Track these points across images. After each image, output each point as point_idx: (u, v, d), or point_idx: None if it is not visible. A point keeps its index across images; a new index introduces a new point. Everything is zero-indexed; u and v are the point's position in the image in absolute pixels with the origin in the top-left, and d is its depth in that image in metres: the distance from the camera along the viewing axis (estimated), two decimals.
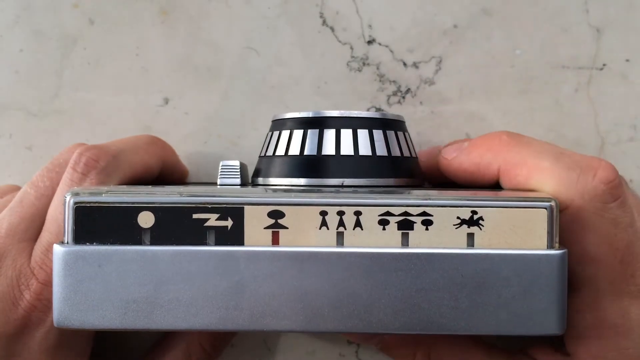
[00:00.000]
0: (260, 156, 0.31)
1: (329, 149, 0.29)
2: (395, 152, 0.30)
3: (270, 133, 0.31)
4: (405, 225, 0.25)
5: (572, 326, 0.28)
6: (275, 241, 0.25)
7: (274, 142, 0.30)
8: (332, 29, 0.38)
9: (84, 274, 0.25)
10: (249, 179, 0.32)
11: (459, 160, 0.31)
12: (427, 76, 0.38)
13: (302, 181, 0.29)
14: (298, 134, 0.29)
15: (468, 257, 0.25)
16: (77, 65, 0.39)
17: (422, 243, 0.25)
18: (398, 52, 0.38)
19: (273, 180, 0.30)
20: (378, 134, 0.29)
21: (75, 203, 0.25)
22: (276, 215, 0.25)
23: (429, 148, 0.35)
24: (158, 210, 0.25)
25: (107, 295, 0.25)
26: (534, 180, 0.28)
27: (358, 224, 0.25)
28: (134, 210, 0.25)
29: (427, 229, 0.25)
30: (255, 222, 0.25)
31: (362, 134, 0.29)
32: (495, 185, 0.30)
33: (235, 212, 0.25)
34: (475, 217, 0.25)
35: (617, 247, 0.27)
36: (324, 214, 0.25)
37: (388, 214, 0.25)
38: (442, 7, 0.38)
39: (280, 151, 0.29)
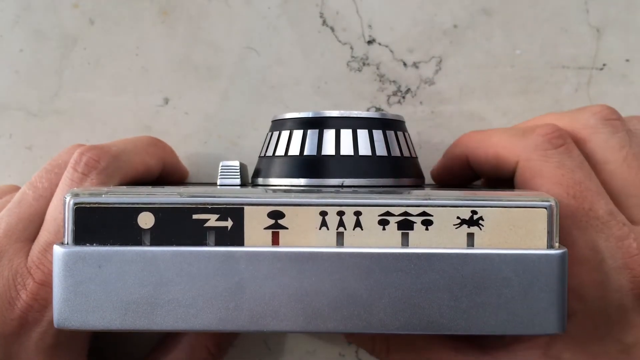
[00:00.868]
0: (260, 156, 0.31)
1: (328, 149, 0.29)
2: (395, 152, 0.30)
3: (270, 133, 0.31)
4: (405, 225, 0.25)
5: None
6: (275, 241, 0.25)
7: (274, 143, 0.30)
8: (332, 29, 0.38)
9: (84, 274, 0.25)
10: (248, 179, 0.32)
11: (442, 163, 0.36)
12: (427, 76, 0.38)
13: (302, 181, 0.29)
14: (298, 134, 0.29)
15: (468, 257, 0.25)
16: (77, 65, 0.39)
17: (422, 243, 0.25)
18: (398, 52, 0.38)
19: (273, 181, 0.30)
20: (378, 134, 0.29)
21: (75, 204, 0.25)
22: (276, 215, 0.25)
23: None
24: (158, 211, 0.25)
25: (107, 296, 0.25)
26: (490, 155, 0.31)
27: (358, 224, 0.25)
28: (133, 211, 0.25)
29: (427, 229, 0.25)
30: (255, 222, 0.25)
31: (362, 134, 0.29)
32: (474, 173, 0.34)
33: (235, 213, 0.25)
34: (475, 217, 0.25)
35: (567, 185, 0.28)
36: (323, 214, 0.25)
37: (388, 214, 0.25)
38: (442, 7, 0.38)
39: (280, 151, 0.29)
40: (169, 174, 0.36)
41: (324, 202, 0.25)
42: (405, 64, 0.38)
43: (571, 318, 0.28)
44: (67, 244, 0.25)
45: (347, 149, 0.29)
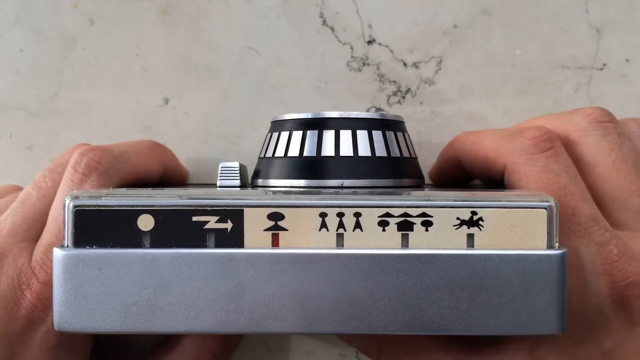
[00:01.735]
0: (259, 157, 0.31)
1: (328, 150, 0.29)
2: (395, 152, 0.30)
3: (269, 134, 0.31)
4: (405, 226, 0.25)
5: None
6: (275, 243, 0.25)
7: (273, 144, 0.30)
8: (332, 29, 0.38)
9: (84, 277, 0.25)
10: (248, 180, 0.32)
11: (436, 165, 0.36)
12: (427, 76, 0.38)
13: (301, 182, 0.29)
14: (297, 135, 0.29)
15: (468, 257, 0.25)
16: (77, 65, 0.39)
17: (422, 244, 0.25)
18: (398, 52, 0.38)
19: (272, 182, 0.30)
20: (377, 134, 0.29)
21: (75, 207, 0.25)
22: (276, 217, 0.25)
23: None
24: (158, 213, 0.25)
25: (108, 298, 0.25)
26: (480, 157, 0.31)
27: (358, 225, 0.25)
28: (133, 213, 0.25)
29: (427, 229, 0.25)
30: (255, 224, 0.25)
31: (362, 134, 0.29)
32: (468, 174, 0.34)
33: (235, 215, 0.25)
34: (475, 217, 0.25)
35: (551, 189, 0.28)
36: (323, 215, 0.25)
37: (388, 215, 0.25)
38: (442, 7, 0.38)
39: (280, 152, 0.29)
40: (169, 178, 0.36)
41: (324, 203, 0.25)
42: (405, 64, 0.38)
43: None
44: (67, 246, 0.25)
45: (346, 150, 0.29)
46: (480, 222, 0.25)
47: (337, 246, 0.25)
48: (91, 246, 0.25)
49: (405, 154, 0.30)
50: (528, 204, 0.25)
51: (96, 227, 0.25)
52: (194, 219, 0.25)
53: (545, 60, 0.38)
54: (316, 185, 0.29)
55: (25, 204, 0.31)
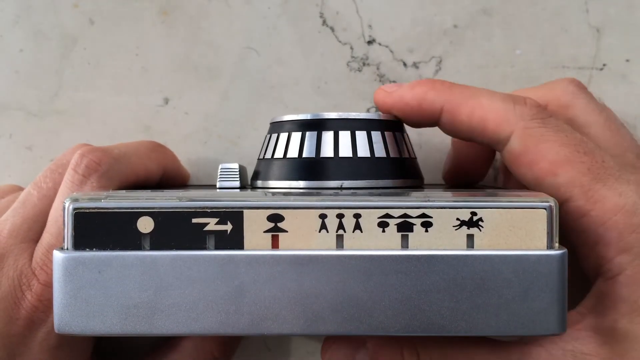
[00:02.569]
0: (259, 159, 0.31)
1: (327, 151, 0.29)
2: (394, 153, 0.30)
3: (268, 135, 0.31)
4: (405, 227, 0.25)
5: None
6: (274, 245, 0.25)
7: (273, 145, 0.30)
8: (332, 29, 0.38)
9: (84, 279, 0.25)
10: (248, 181, 0.32)
11: (399, 93, 0.31)
12: (427, 76, 0.38)
13: (301, 184, 0.29)
14: (296, 136, 0.29)
15: (468, 258, 0.25)
16: (77, 65, 0.39)
17: (421, 245, 0.25)
18: (398, 52, 0.38)
19: (272, 183, 0.29)
20: (376, 135, 0.29)
21: (75, 209, 0.25)
22: (275, 218, 0.25)
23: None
24: (157, 215, 0.25)
25: (108, 300, 0.25)
26: (476, 117, 0.30)
27: (357, 226, 0.25)
28: (133, 216, 0.25)
29: (426, 230, 0.25)
30: (254, 226, 0.25)
31: (361, 135, 0.29)
32: (433, 125, 0.31)
33: (235, 216, 0.25)
34: (475, 218, 0.25)
35: (574, 144, 0.29)
36: (323, 217, 0.25)
37: (387, 216, 0.25)
38: (442, 7, 0.38)
39: (279, 154, 0.29)
40: (170, 179, 0.36)
41: (324, 204, 0.25)
42: (405, 64, 0.38)
43: (617, 277, 0.28)
44: (67, 249, 0.25)
45: (345, 151, 0.29)
46: (480, 223, 0.25)
47: (337, 247, 0.25)
48: (91, 249, 0.25)
49: (405, 154, 0.30)
50: (528, 204, 0.25)
51: (96, 230, 0.25)
52: (194, 220, 0.25)
53: (545, 60, 0.38)
54: (315, 186, 0.29)
55: (26, 204, 0.31)
